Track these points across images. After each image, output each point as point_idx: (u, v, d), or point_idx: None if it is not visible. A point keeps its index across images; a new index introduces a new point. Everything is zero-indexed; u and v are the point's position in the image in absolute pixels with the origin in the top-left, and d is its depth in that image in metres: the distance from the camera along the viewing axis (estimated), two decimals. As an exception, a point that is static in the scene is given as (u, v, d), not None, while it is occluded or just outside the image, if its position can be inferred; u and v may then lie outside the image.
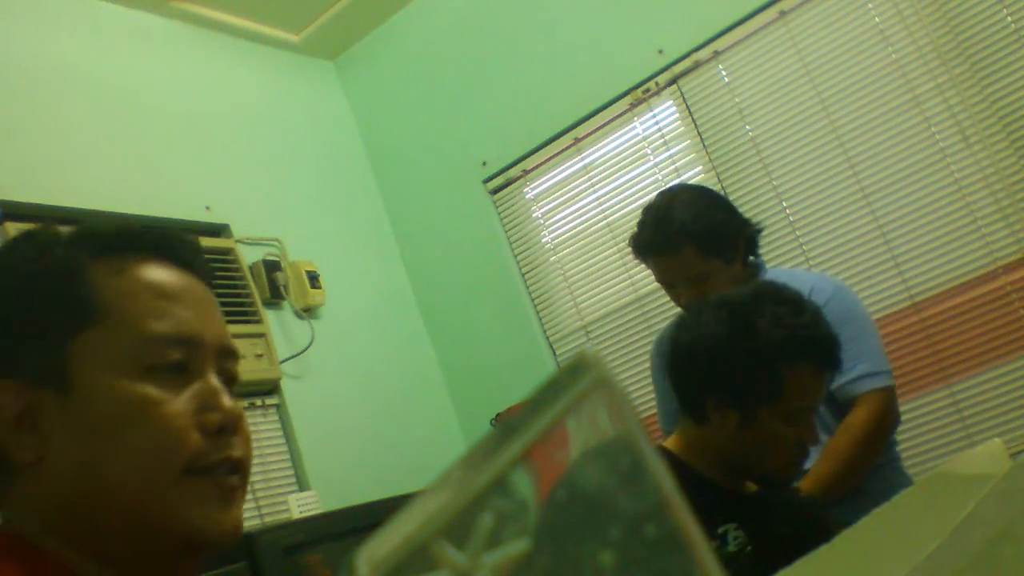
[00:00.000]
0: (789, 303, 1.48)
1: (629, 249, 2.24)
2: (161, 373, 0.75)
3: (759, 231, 2.22)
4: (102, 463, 0.73)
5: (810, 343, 1.45)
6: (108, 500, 0.73)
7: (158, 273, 0.80)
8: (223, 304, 2.93)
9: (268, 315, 3.13)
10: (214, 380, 0.79)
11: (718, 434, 1.48)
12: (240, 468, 0.78)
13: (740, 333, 1.45)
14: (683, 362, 1.53)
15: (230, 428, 0.77)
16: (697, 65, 3.24)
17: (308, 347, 3.18)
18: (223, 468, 0.76)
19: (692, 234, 2.07)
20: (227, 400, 0.78)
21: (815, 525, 1.58)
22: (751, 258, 2.21)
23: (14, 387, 0.74)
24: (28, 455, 0.73)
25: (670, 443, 1.57)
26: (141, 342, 0.76)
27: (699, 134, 3.24)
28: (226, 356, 0.81)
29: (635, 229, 2.18)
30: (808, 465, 1.92)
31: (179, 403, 0.75)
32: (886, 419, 2.01)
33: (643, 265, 2.25)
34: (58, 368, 0.74)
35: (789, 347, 1.43)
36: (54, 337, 0.75)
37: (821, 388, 1.50)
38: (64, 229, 0.81)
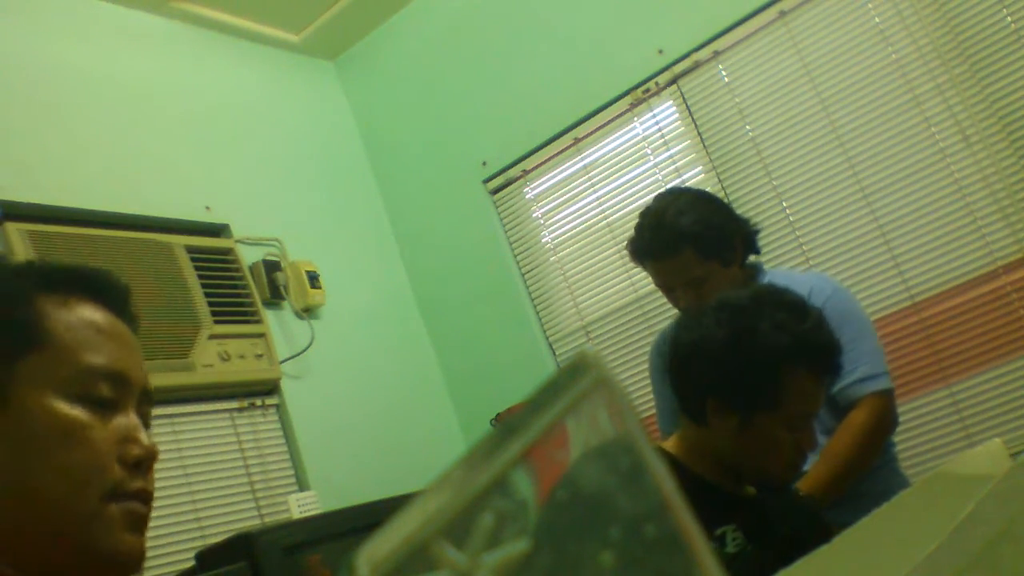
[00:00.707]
0: (792, 308, 1.48)
1: (628, 255, 2.24)
2: (91, 402, 0.82)
3: (757, 231, 2.22)
4: (30, 475, 0.78)
5: (812, 350, 1.45)
6: (32, 512, 0.77)
7: (96, 313, 0.87)
8: (223, 304, 2.92)
9: (268, 315, 3.13)
10: (135, 417, 0.85)
11: (717, 436, 1.48)
12: (150, 500, 0.85)
13: (742, 336, 1.45)
14: (683, 364, 1.53)
15: (147, 463, 0.84)
16: (697, 65, 3.24)
17: (308, 347, 3.18)
18: (136, 497, 0.82)
19: (690, 237, 2.06)
20: (146, 437, 0.85)
21: (814, 526, 1.58)
22: (750, 258, 2.21)
23: None
24: None
25: (669, 445, 1.57)
26: (78, 370, 0.82)
27: (699, 134, 3.24)
28: (146, 399, 0.89)
29: (633, 233, 2.18)
30: (807, 466, 1.92)
31: (105, 431, 0.81)
32: (885, 422, 2.01)
33: (642, 269, 2.24)
34: (1, 383, 0.80)
35: (791, 353, 1.43)
36: (2, 356, 0.81)
37: (821, 394, 1.49)
38: (13, 262, 0.88)
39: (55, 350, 0.82)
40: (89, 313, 0.86)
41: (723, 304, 1.52)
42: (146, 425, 0.88)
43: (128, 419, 0.84)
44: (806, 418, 1.47)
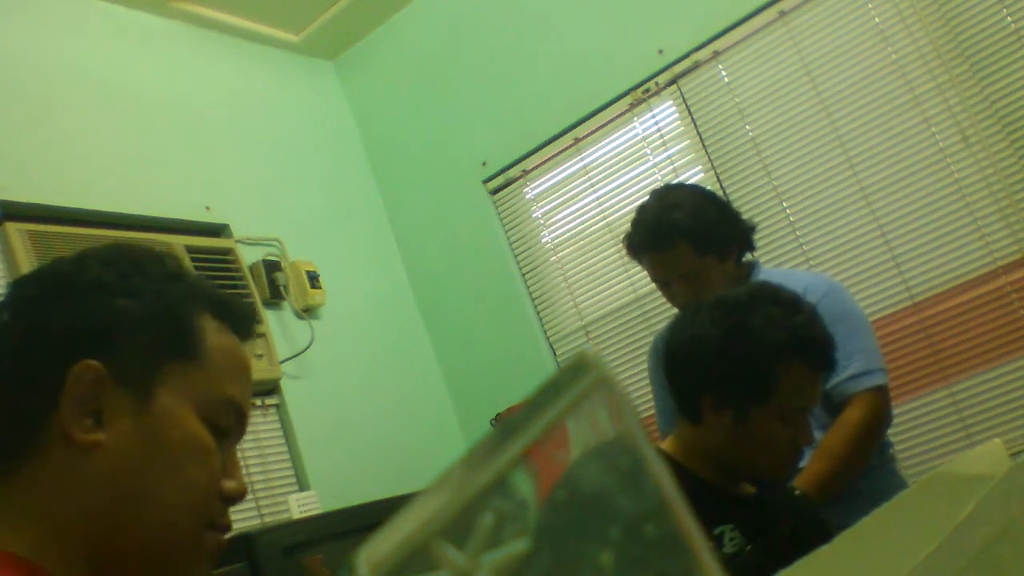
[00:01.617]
0: (785, 303, 1.49)
1: (624, 250, 2.24)
2: (215, 429, 0.82)
3: (753, 229, 2.22)
4: (154, 480, 0.77)
5: (805, 344, 1.45)
6: (138, 512, 0.76)
7: (240, 346, 0.89)
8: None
9: (268, 315, 3.13)
10: (237, 455, 0.87)
11: (713, 434, 1.48)
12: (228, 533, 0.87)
13: (735, 332, 1.46)
14: (678, 362, 1.54)
15: (236, 501, 0.85)
16: (697, 65, 3.24)
17: (308, 347, 3.18)
18: (223, 529, 0.84)
19: (686, 230, 2.07)
20: (242, 475, 0.86)
21: (814, 525, 1.58)
22: (747, 256, 2.22)
23: (98, 369, 0.77)
24: (85, 435, 0.76)
25: (666, 445, 1.57)
26: (217, 395, 0.83)
27: (699, 134, 3.24)
28: (245, 421, 0.91)
29: (630, 229, 2.19)
30: (802, 464, 1.92)
31: (219, 461, 0.82)
32: (879, 418, 2.01)
33: (639, 265, 2.25)
34: (146, 378, 0.79)
35: (783, 347, 1.43)
36: (157, 351, 0.81)
37: (816, 389, 1.50)
38: (186, 271, 0.89)
39: (205, 368, 0.82)
40: (236, 345, 0.88)
41: (718, 302, 1.53)
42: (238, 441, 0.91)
43: (234, 454, 0.86)
44: (801, 413, 1.47)
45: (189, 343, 0.82)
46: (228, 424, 0.84)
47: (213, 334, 0.84)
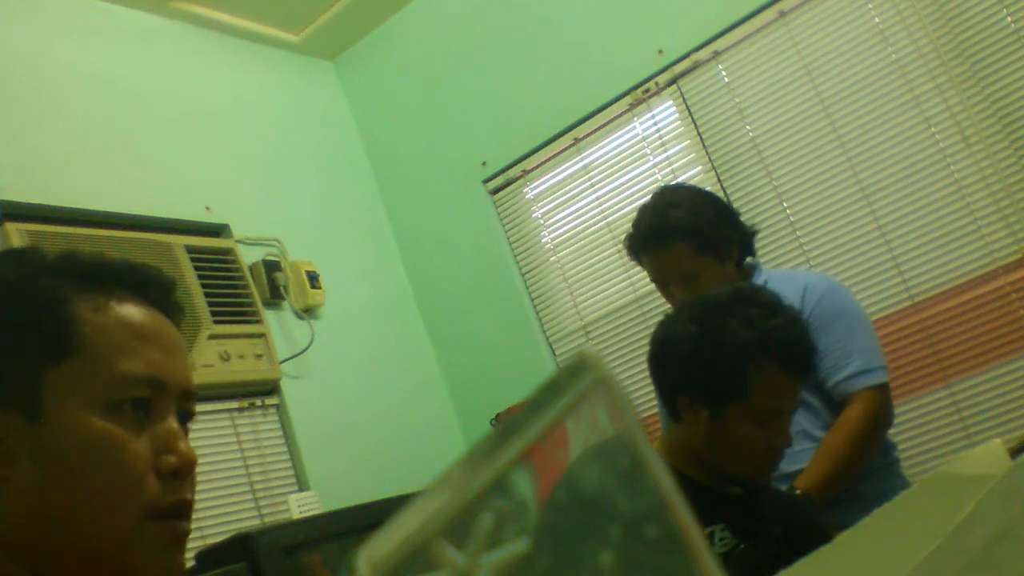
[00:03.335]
0: (765, 305, 1.50)
1: (625, 250, 2.25)
2: (126, 411, 0.78)
3: (754, 233, 2.22)
4: (64, 493, 0.75)
5: (778, 344, 1.46)
6: (65, 530, 0.75)
7: (136, 313, 0.82)
8: (223, 304, 2.91)
9: (268, 315, 3.13)
10: (174, 423, 0.82)
11: (692, 432, 1.49)
12: (190, 513, 0.82)
13: (710, 331, 1.48)
14: (658, 360, 1.56)
15: (184, 472, 0.80)
16: (697, 65, 3.24)
17: (308, 347, 3.18)
18: (176, 513, 0.80)
19: (685, 230, 2.08)
20: (184, 445, 0.81)
21: (806, 524, 1.58)
22: (747, 259, 2.22)
23: None
24: None
25: (656, 444, 1.58)
26: (112, 379, 0.78)
27: (699, 134, 3.24)
28: (187, 397, 0.85)
29: (631, 229, 2.20)
30: (802, 464, 1.93)
31: (140, 444, 0.78)
32: (880, 416, 2.01)
33: (639, 265, 2.26)
34: (30, 395, 0.76)
35: (755, 346, 1.45)
36: (30, 365, 0.77)
37: (791, 391, 1.50)
38: (49, 254, 0.82)
39: (88, 359, 0.78)
40: (128, 313, 0.81)
41: (700, 301, 1.56)
42: (187, 420, 0.84)
43: (166, 425, 0.80)
44: (776, 415, 1.48)
45: (59, 343, 0.78)
46: (145, 396, 0.79)
47: (91, 316, 0.79)
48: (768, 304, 1.50)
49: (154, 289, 0.85)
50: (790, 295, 1.81)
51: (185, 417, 0.84)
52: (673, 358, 1.51)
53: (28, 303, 0.79)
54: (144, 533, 0.76)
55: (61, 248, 0.84)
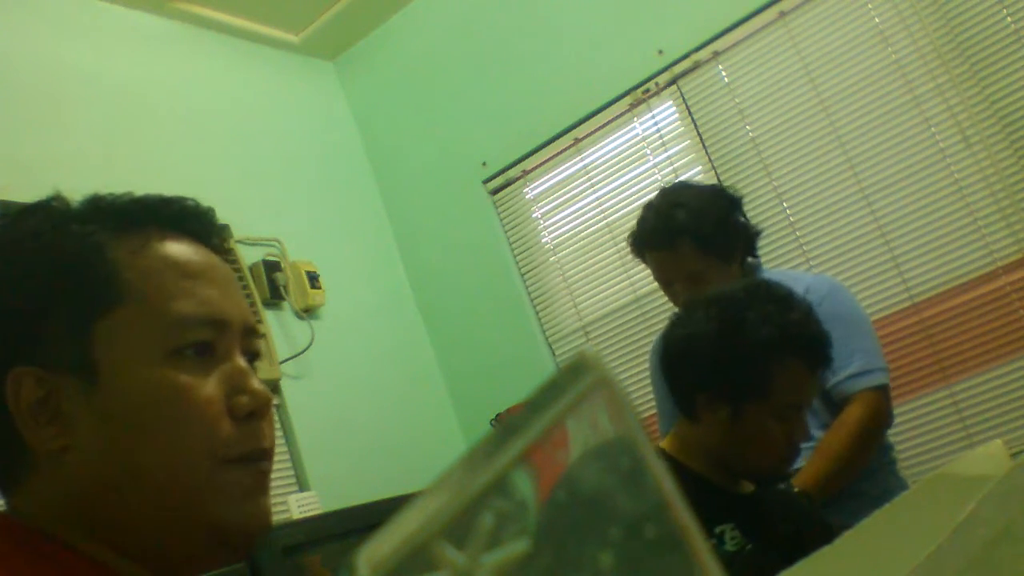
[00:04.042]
0: (780, 301, 1.50)
1: (629, 248, 2.24)
2: (188, 356, 0.72)
3: (758, 233, 2.22)
4: (132, 452, 0.69)
5: (799, 340, 1.46)
6: (135, 494, 0.69)
7: (180, 250, 0.76)
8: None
9: (268, 315, 3.13)
10: (242, 362, 0.75)
11: (710, 431, 1.49)
12: (271, 456, 0.76)
13: (729, 329, 1.47)
14: (675, 359, 1.55)
15: (261, 412, 0.74)
16: (697, 65, 3.23)
17: (308, 347, 3.18)
18: (255, 458, 0.74)
19: (690, 230, 2.08)
20: (257, 383, 0.75)
21: (814, 524, 1.58)
22: (749, 259, 2.22)
23: (34, 373, 0.70)
24: (51, 444, 0.70)
25: (665, 443, 1.57)
26: (167, 324, 0.72)
27: (699, 134, 3.24)
28: (251, 334, 0.78)
29: (635, 227, 2.19)
30: (801, 463, 1.93)
31: (209, 388, 0.72)
32: (879, 417, 2.01)
33: (642, 264, 2.25)
34: (82, 354, 0.70)
35: (778, 343, 1.45)
36: (76, 321, 0.71)
37: (811, 386, 1.51)
38: (74, 202, 0.77)
39: (137, 306, 0.71)
40: (171, 250, 0.75)
41: (714, 299, 1.54)
42: (253, 359, 0.77)
43: (234, 365, 0.74)
44: (797, 410, 1.48)
45: (103, 292, 0.71)
46: (207, 339, 0.73)
47: (132, 260, 0.73)
48: (783, 299, 1.50)
49: (194, 221, 0.79)
50: (792, 296, 1.82)
51: (252, 356, 0.78)
52: (692, 357, 1.50)
53: (62, 255, 0.72)
54: (222, 479, 0.71)
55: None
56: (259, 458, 0.74)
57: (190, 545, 0.71)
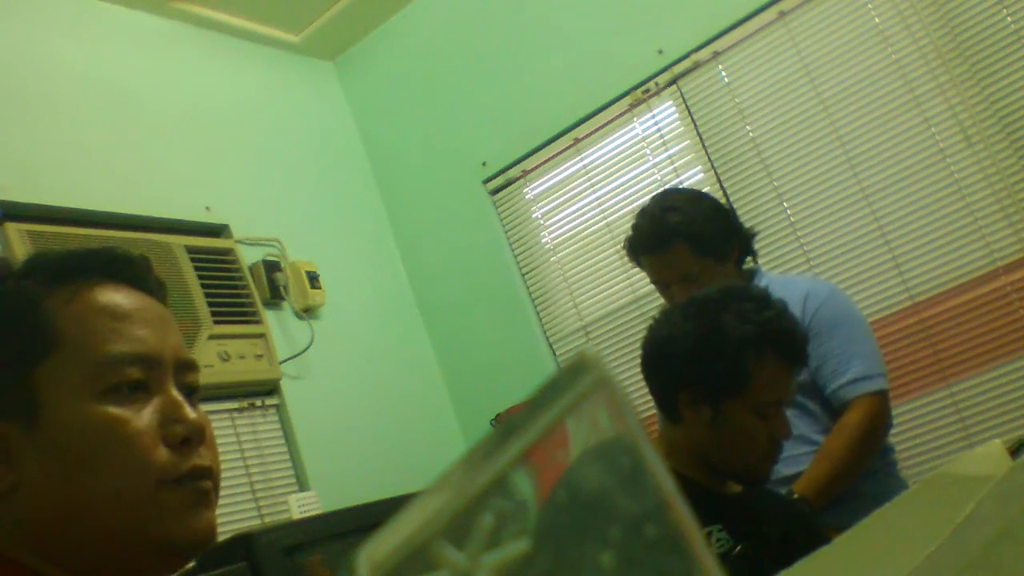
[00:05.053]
0: (755, 299, 1.52)
1: (625, 255, 2.26)
2: (122, 393, 0.78)
3: (753, 235, 2.23)
4: (74, 485, 0.75)
5: (775, 336, 1.48)
6: (83, 520, 0.75)
7: (109, 296, 0.81)
8: (223, 304, 2.90)
9: (268, 315, 3.13)
10: (174, 393, 0.81)
11: (693, 432, 1.50)
12: (210, 474, 0.80)
13: (707, 329, 1.49)
14: (654, 361, 1.57)
15: (196, 439, 0.80)
16: (697, 65, 3.23)
17: (308, 347, 3.18)
18: (193, 477, 0.79)
19: (685, 232, 2.09)
20: (190, 411, 0.80)
21: (802, 526, 1.58)
22: (748, 263, 2.23)
23: None
24: (2, 484, 0.75)
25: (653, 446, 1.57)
26: (100, 365, 0.77)
27: (699, 135, 3.24)
28: (185, 369, 0.84)
29: (630, 233, 2.21)
30: (801, 467, 1.93)
31: (142, 420, 0.77)
32: (878, 422, 2.02)
33: (639, 268, 2.26)
34: (24, 399, 0.76)
35: (754, 340, 1.46)
36: (16, 370, 0.77)
37: (789, 382, 1.52)
38: (12, 262, 0.85)
39: (71, 349, 0.78)
40: (101, 297, 0.81)
41: (691, 301, 1.57)
42: (192, 394, 0.83)
43: (166, 397, 0.80)
44: (776, 407, 1.49)
45: (39, 341, 0.78)
46: (139, 377, 0.78)
47: (65, 308, 0.79)
48: (759, 298, 1.52)
49: (124, 268, 0.84)
50: (791, 301, 1.82)
51: (189, 390, 0.83)
52: (671, 358, 1.52)
53: (1, 311, 0.80)
54: (163, 499, 0.76)
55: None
56: (199, 476, 0.79)
57: (137, 560, 0.77)
